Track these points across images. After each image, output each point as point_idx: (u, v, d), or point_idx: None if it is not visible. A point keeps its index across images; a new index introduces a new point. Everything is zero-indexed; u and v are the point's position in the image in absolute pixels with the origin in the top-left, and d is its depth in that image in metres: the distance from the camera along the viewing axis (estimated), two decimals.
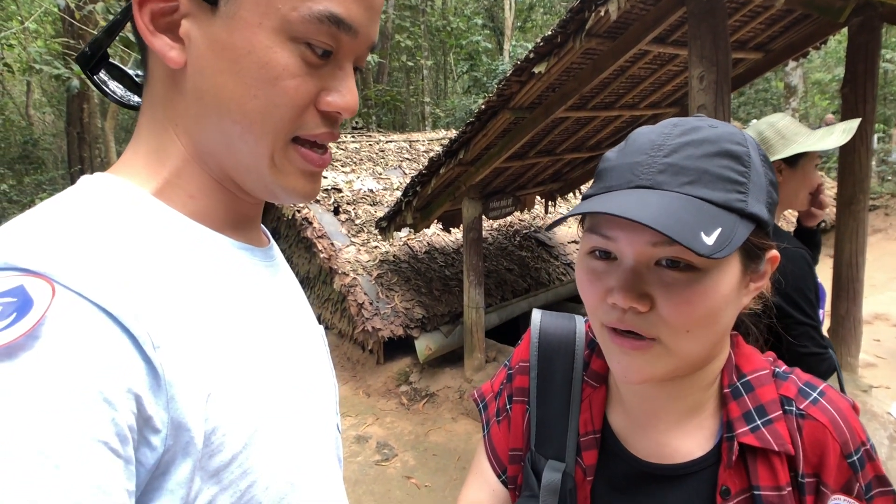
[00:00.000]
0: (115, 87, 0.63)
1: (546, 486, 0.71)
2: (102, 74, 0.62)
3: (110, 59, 0.62)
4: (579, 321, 0.81)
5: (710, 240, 0.53)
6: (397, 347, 5.19)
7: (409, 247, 6.01)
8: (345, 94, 0.55)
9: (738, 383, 0.67)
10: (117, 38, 0.62)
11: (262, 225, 0.69)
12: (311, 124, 0.55)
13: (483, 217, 4.82)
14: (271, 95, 0.52)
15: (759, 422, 0.64)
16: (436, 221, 5.26)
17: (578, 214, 0.60)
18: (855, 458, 0.63)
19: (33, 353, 0.38)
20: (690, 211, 0.55)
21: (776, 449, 0.62)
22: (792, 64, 11.35)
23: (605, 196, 0.59)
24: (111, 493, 0.39)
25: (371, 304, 5.12)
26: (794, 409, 0.65)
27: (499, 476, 0.81)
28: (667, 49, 3.41)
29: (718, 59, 2.55)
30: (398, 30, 14.82)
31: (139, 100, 0.62)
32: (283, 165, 0.56)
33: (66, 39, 7.05)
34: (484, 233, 5.38)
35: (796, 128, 1.75)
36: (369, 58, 11.90)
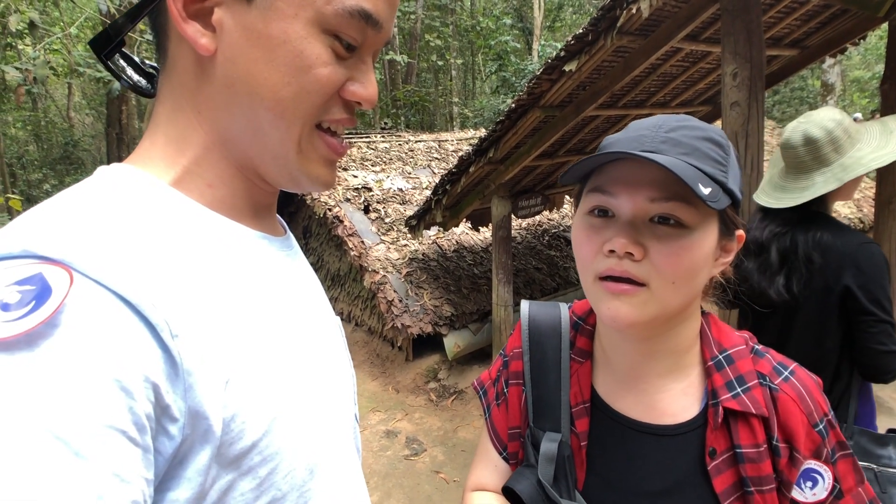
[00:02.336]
0: (132, 74, 0.64)
1: (544, 455, 0.77)
2: (120, 60, 0.62)
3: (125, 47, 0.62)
4: (563, 307, 0.89)
5: (706, 191, 0.63)
6: (426, 345, 5.24)
7: (438, 245, 6.06)
8: (367, 86, 0.58)
9: (720, 356, 0.76)
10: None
11: (279, 216, 0.70)
12: (334, 110, 0.58)
13: (512, 216, 4.84)
14: (304, 82, 0.54)
15: (739, 389, 0.73)
16: (465, 220, 5.29)
17: (604, 156, 0.67)
18: (821, 426, 0.72)
19: (53, 341, 0.38)
20: (689, 170, 0.65)
21: (754, 412, 0.71)
22: (829, 61, 11.06)
23: (617, 152, 0.67)
24: (130, 482, 0.39)
25: (400, 301, 5.18)
26: (769, 383, 0.74)
27: (500, 453, 0.88)
28: (699, 46, 3.38)
29: (752, 55, 2.53)
30: (427, 30, 14.90)
31: (143, 82, 0.64)
32: (309, 152, 0.58)
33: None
34: (513, 231, 5.40)
35: (855, 125, 1.76)
36: (398, 58, 12.01)
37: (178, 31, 0.54)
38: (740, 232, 0.73)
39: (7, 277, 0.40)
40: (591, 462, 0.77)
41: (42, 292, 0.39)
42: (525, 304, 0.90)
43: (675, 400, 0.76)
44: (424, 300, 5.25)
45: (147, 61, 0.65)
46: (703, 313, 0.80)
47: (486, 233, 6.22)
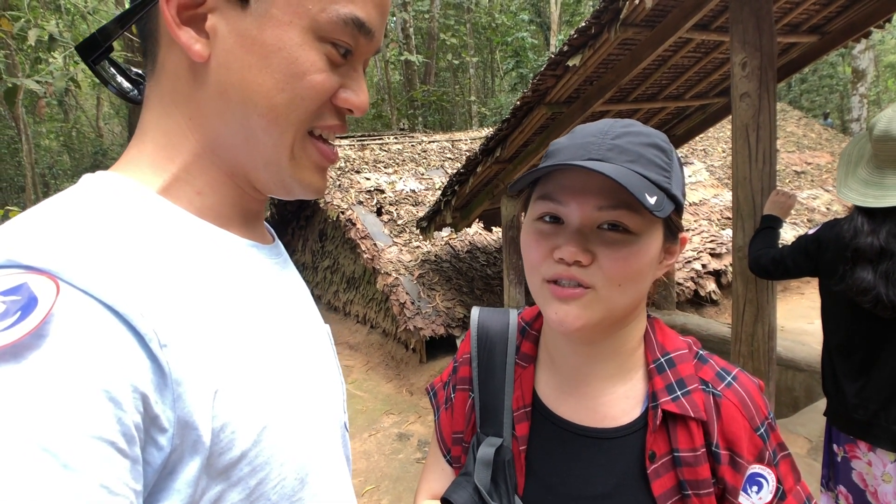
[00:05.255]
0: (120, 80, 0.63)
1: (480, 460, 0.78)
2: (109, 67, 0.62)
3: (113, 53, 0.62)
4: (512, 313, 0.90)
5: (651, 200, 0.64)
6: (439, 346, 5.20)
7: (451, 246, 6.01)
8: (358, 93, 0.59)
9: (662, 360, 0.77)
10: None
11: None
12: (326, 117, 0.58)
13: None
14: (298, 89, 0.54)
15: (679, 392, 0.74)
16: (477, 220, 5.23)
17: (551, 167, 0.68)
18: (762, 430, 0.74)
19: (40, 352, 0.38)
20: (635, 178, 0.66)
21: (693, 415, 0.72)
22: (860, 46, 10.66)
23: (563, 164, 0.68)
24: (119, 493, 0.38)
25: (413, 303, 5.15)
26: (712, 389, 0.75)
27: (444, 457, 0.90)
28: (710, 36, 3.26)
29: (762, 43, 2.42)
30: (443, 28, 14.86)
31: (130, 87, 0.63)
32: (301, 158, 0.58)
33: (125, 53, 7.42)
34: None
35: None
36: (414, 58, 12.05)
37: (169, 37, 0.54)
38: (683, 235, 0.76)
39: None
40: (531, 466, 0.78)
41: (28, 303, 0.38)
42: (475, 311, 0.91)
43: (616, 403, 0.77)
44: (437, 302, 5.21)
45: (133, 69, 0.65)
46: (648, 317, 0.81)
47: (499, 233, 6.14)
